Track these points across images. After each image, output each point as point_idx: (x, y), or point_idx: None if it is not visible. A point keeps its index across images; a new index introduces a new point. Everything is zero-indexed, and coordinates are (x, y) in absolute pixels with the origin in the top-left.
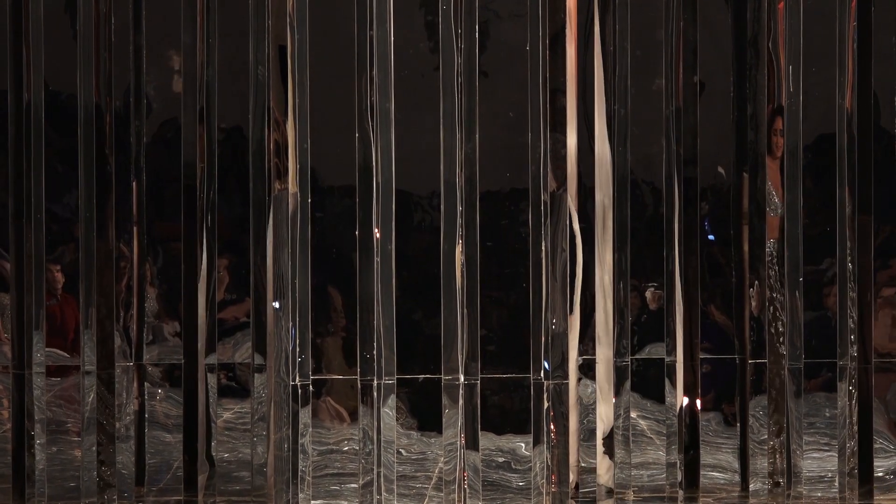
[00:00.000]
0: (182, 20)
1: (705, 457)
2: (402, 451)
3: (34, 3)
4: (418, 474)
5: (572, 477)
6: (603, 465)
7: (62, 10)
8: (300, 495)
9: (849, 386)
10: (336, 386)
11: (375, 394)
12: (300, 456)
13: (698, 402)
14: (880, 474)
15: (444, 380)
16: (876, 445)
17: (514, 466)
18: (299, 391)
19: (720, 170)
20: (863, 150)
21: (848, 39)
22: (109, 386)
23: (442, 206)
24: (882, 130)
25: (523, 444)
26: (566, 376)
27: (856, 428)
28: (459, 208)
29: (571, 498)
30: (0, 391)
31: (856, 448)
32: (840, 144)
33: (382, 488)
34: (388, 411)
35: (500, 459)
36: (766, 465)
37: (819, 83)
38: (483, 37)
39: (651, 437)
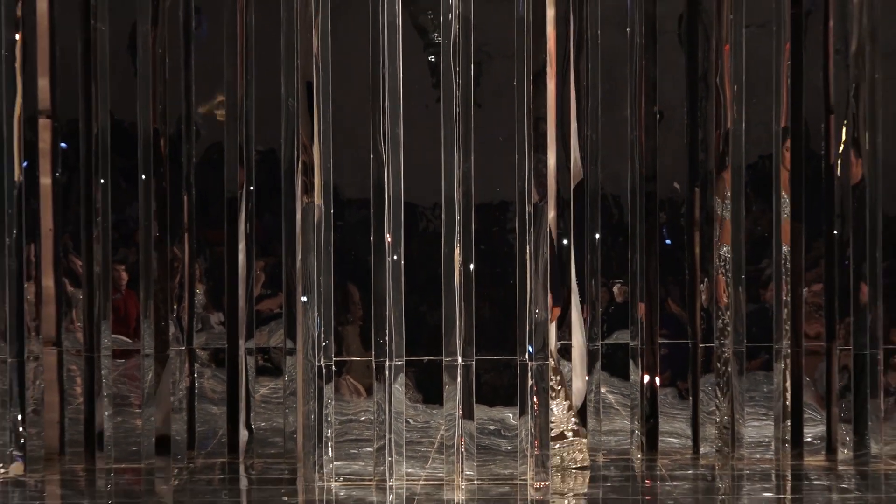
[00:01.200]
0: (225, 61)
1: (663, 425)
2: (410, 420)
3: (101, 45)
4: (423, 440)
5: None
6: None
7: (125, 51)
8: (324, 457)
9: (783, 366)
10: (354, 366)
11: (387, 373)
12: (325, 424)
13: (657, 379)
14: (809, 440)
15: (445, 361)
16: (805, 416)
17: (503, 433)
18: (324, 371)
19: (676, 185)
20: (795, 168)
21: (783, 76)
22: (164, 367)
23: (443, 216)
24: (812, 152)
25: (511, 415)
26: (547, 358)
27: (789, 401)
28: (457, 218)
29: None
30: (74, 371)
31: (789, 418)
32: (776, 163)
33: (393, 451)
34: (398, 387)
35: (492, 427)
36: (714, 432)
37: (759, 112)
38: (477, 74)
39: (618, 409)
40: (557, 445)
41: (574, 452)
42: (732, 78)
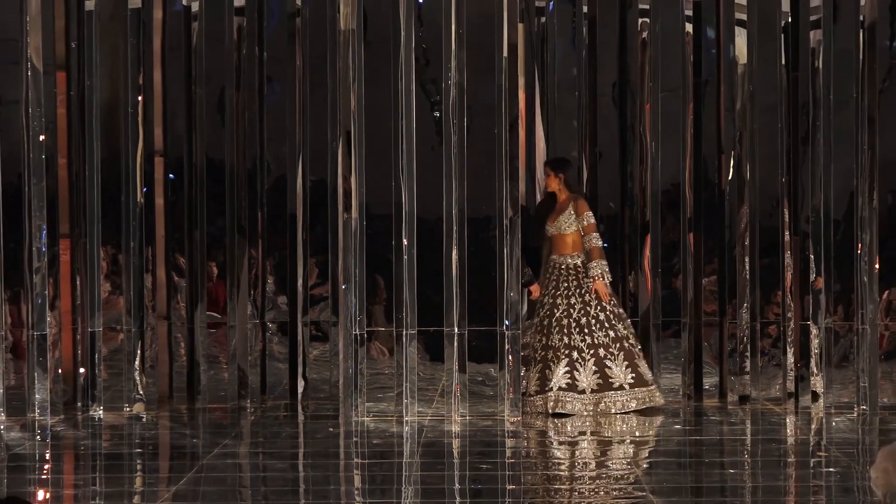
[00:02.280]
0: (286, 114)
1: None
2: (420, 374)
3: (199, 103)
4: (429, 388)
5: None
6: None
7: (216, 108)
8: (359, 400)
9: (687, 334)
10: (380, 335)
11: (404, 339)
12: (359, 377)
13: None
14: (706, 388)
15: (445, 331)
16: (704, 370)
17: (487, 383)
18: (358, 337)
19: (611, 205)
20: (697, 194)
21: (688, 125)
22: (244, 334)
23: (444, 226)
24: (709, 181)
25: (492, 369)
26: (518, 328)
27: (692, 359)
28: (454, 227)
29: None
30: (179, 338)
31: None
32: (683, 189)
33: (408, 396)
34: (412, 350)
35: (479, 379)
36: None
37: (670, 151)
38: (469, 124)
39: None
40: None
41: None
42: (651, 127)
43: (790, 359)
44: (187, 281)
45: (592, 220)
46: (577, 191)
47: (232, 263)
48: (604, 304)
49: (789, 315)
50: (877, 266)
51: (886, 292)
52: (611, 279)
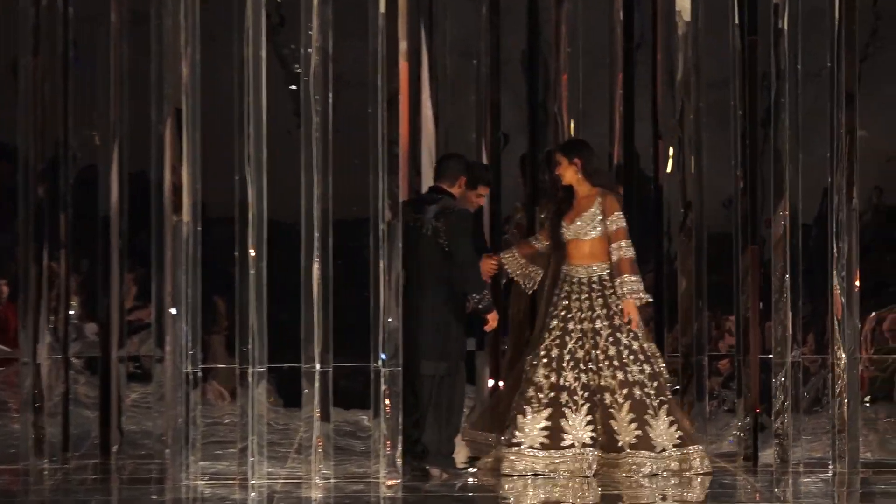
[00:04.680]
0: (99, 88)
1: None
2: (271, 423)
3: None
4: (283, 441)
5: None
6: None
7: (4, 78)
8: (191, 458)
9: None
10: (220, 373)
11: (250, 379)
12: (191, 427)
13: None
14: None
15: (304, 368)
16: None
17: (358, 435)
18: (191, 377)
19: (517, 203)
20: (627, 190)
21: (616, 102)
22: (41, 373)
23: (303, 233)
24: (642, 175)
25: (365, 417)
26: (399, 364)
27: None
28: (316, 234)
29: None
30: None
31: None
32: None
33: (255, 452)
34: (260, 392)
35: (348, 429)
36: None
37: (593, 135)
38: (335, 102)
39: None
40: None
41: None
42: (569, 105)
43: (746, 403)
44: None
45: (623, 224)
46: (604, 183)
47: (26, 280)
48: (634, 331)
49: (745, 347)
50: (857, 283)
51: (870, 316)
52: (650, 299)
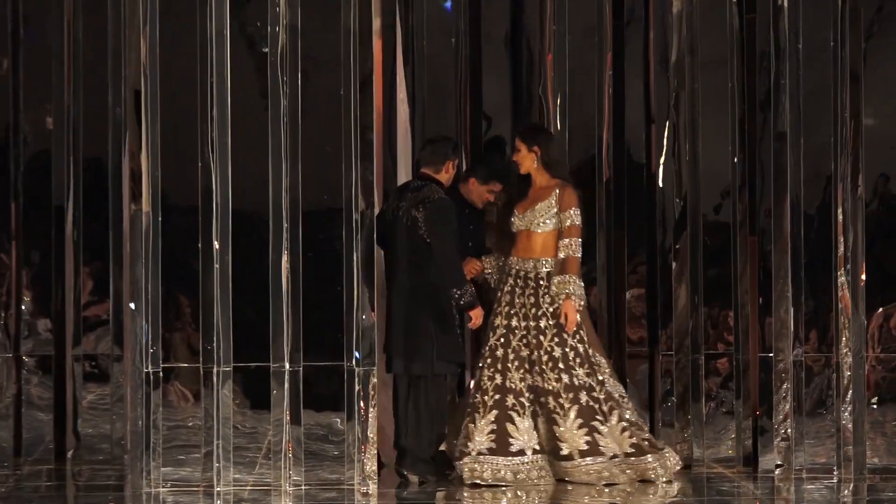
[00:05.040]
0: (52, 67)
1: None
2: (238, 426)
3: None
4: (251, 446)
5: None
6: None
7: None
8: (152, 463)
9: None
10: (183, 373)
11: (215, 379)
12: (152, 431)
13: None
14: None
15: (273, 367)
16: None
17: (331, 439)
18: (151, 377)
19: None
20: (617, 178)
21: (605, 83)
22: None
23: (270, 223)
24: (633, 162)
25: (338, 420)
26: (374, 363)
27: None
28: (285, 225)
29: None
30: None
31: None
32: (599, 173)
33: (221, 457)
34: (226, 394)
35: (320, 433)
36: None
37: (580, 120)
38: (304, 83)
39: None
40: None
41: None
42: (555, 87)
43: (745, 404)
44: None
45: (579, 222)
46: (563, 175)
47: None
48: (580, 333)
49: (745, 345)
50: (863, 277)
51: (877, 312)
52: (583, 304)
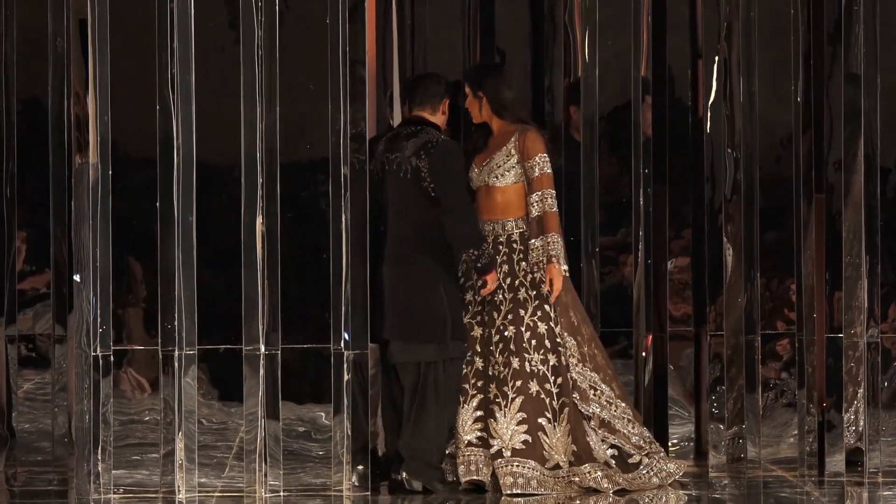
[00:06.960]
0: None
1: None
2: (203, 420)
3: None
4: (219, 444)
5: None
6: None
7: None
8: (101, 465)
9: (644, 354)
10: (138, 357)
11: (177, 364)
12: (101, 426)
13: None
14: (673, 441)
15: (245, 350)
16: (670, 412)
17: (314, 436)
18: (100, 362)
19: None
20: (658, 124)
21: (643, 10)
22: None
23: (242, 178)
24: (677, 101)
25: (323, 414)
26: (366, 346)
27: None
28: (260, 180)
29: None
30: None
31: None
32: (636, 118)
33: (183, 458)
34: (189, 381)
35: (301, 429)
36: None
37: (613, 55)
38: (282, 10)
39: None
40: None
41: None
42: (583, 13)
43: (810, 394)
44: None
45: (549, 170)
46: (521, 118)
47: None
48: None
49: (809, 324)
50: None
51: None
52: (567, 268)
